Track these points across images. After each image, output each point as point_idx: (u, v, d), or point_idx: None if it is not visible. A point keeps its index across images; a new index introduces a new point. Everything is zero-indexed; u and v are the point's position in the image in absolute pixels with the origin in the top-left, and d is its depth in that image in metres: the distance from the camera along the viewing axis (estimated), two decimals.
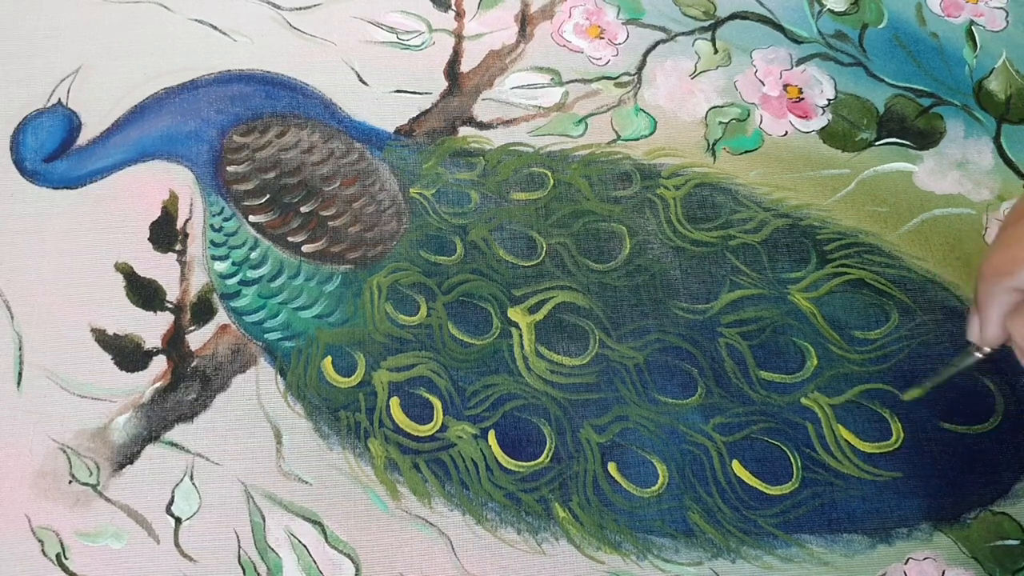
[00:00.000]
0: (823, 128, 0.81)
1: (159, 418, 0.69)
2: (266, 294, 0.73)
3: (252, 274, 0.73)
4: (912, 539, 0.67)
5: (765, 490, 0.68)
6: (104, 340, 0.71)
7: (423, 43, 0.84)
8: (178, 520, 0.66)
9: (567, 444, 0.69)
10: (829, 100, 0.82)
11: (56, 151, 0.77)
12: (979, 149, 0.80)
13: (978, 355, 0.62)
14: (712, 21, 0.85)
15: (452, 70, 0.82)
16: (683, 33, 0.85)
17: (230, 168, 0.76)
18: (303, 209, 0.75)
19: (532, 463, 0.68)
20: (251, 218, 0.75)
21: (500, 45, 0.84)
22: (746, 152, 0.79)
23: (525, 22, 0.85)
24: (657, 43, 0.84)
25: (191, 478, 0.67)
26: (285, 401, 0.70)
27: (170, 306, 0.73)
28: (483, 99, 0.81)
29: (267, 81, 0.81)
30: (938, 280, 0.74)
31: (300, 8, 0.85)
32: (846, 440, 0.69)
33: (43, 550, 0.65)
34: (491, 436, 0.69)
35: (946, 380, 0.67)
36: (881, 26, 0.85)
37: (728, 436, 0.69)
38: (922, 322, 0.73)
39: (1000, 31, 0.86)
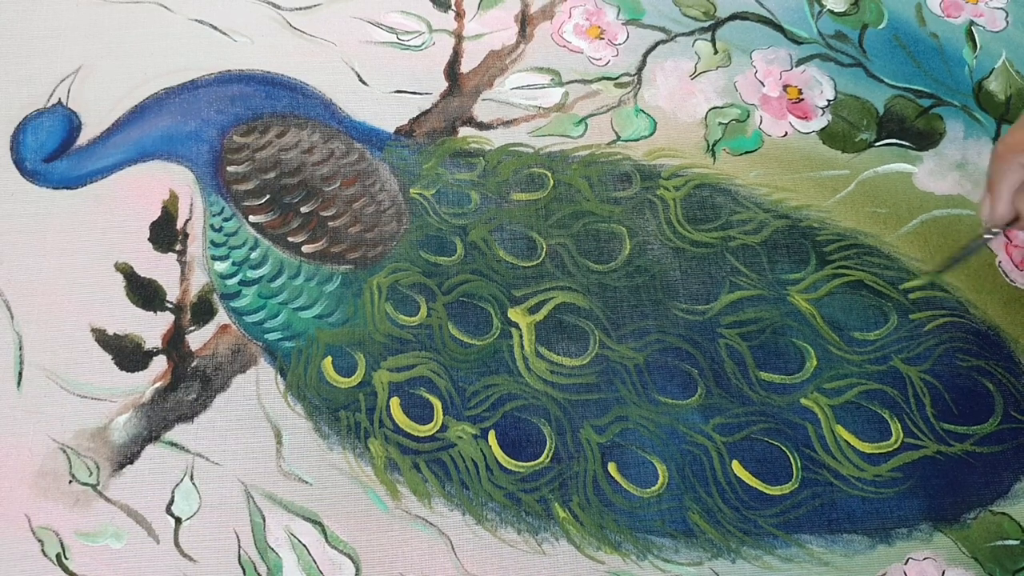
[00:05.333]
0: (823, 129, 0.81)
1: (159, 418, 0.69)
2: (266, 294, 0.73)
3: (252, 274, 0.73)
4: (912, 539, 0.67)
5: (765, 490, 0.68)
6: (104, 340, 0.71)
7: (423, 43, 0.84)
8: (178, 520, 0.66)
9: (567, 444, 0.69)
10: (829, 101, 0.82)
11: (56, 151, 0.77)
12: (979, 150, 0.80)
13: (989, 236, 0.65)
14: (712, 21, 0.85)
15: (452, 70, 0.82)
16: (683, 34, 0.85)
17: (230, 168, 0.76)
18: (303, 209, 0.75)
19: (532, 463, 0.68)
20: (251, 218, 0.75)
21: (500, 45, 0.84)
22: (746, 153, 0.79)
23: (525, 22, 0.85)
24: (657, 43, 0.84)
25: (191, 478, 0.67)
26: (285, 401, 0.70)
27: (170, 306, 0.73)
28: (483, 99, 0.81)
29: (267, 81, 0.81)
30: (937, 281, 0.74)
31: (300, 8, 0.85)
32: (846, 441, 0.69)
33: (43, 550, 0.65)
34: (491, 436, 0.69)
35: (959, 261, 0.71)
36: (881, 26, 0.85)
37: (728, 436, 0.69)
38: (921, 323, 0.73)
39: (1000, 31, 0.86)
